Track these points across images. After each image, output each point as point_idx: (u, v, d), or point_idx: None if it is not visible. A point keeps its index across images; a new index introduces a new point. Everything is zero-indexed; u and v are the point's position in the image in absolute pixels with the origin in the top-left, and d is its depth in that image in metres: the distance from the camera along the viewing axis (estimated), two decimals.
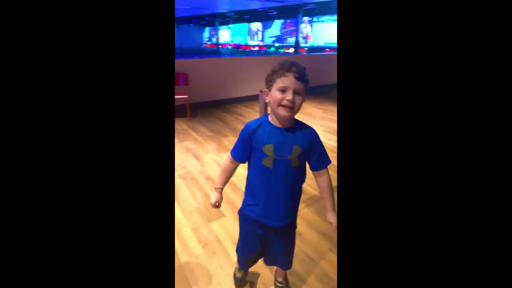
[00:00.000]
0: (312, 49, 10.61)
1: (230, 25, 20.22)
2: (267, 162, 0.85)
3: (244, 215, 0.97)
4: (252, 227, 0.96)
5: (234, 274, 1.22)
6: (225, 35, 21.61)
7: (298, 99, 0.78)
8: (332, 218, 0.91)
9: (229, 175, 0.97)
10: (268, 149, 0.83)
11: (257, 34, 16.28)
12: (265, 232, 0.95)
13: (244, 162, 0.93)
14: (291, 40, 11.94)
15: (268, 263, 1.08)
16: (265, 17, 16.26)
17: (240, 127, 3.31)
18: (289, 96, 0.76)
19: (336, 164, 2.40)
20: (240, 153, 0.91)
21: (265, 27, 16.68)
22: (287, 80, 0.77)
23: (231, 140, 2.92)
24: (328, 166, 0.90)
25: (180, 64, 3.79)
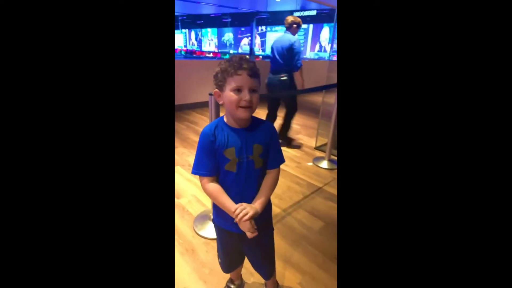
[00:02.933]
0: (267, 57, 10.85)
1: (183, 30, 19.64)
2: (230, 167, 0.76)
3: (216, 225, 0.90)
4: (225, 236, 0.91)
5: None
6: (178, 40, 20.91)
7: (255, 97, 0.72)
8: (256, 207, 0.74)
9: (222, 194, 0.78)
10: (229, 152, 0.75)
11: (230, 44, 15.75)
12: (239, 241, 0.89)
13: (216, 174, 0.79)
14: (245, 48, 12.05)
15: (254, 268, 1.03)
16: (219, 23, 16.16)
17: (192, 136, 3.02)
18: (246, 96, 0.70)
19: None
20: (210, 166, 0.76)
21: (220, 34, 16.58)
22: (241, 79, 0.69)
23: (180, 152, 2.60)
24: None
25: None
